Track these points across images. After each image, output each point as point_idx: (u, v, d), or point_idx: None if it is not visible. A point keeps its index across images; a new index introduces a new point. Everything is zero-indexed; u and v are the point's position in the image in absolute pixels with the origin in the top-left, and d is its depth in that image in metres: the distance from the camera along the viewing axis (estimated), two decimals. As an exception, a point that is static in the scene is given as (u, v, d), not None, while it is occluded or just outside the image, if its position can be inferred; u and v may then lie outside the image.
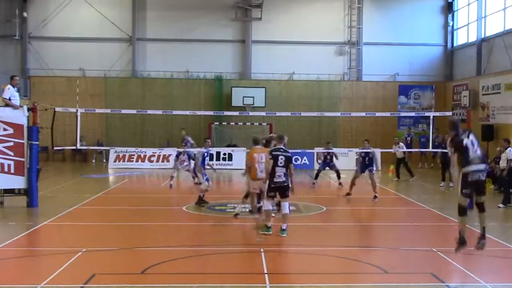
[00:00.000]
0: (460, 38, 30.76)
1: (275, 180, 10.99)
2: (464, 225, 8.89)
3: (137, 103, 29.21)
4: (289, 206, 11.30)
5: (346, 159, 25.31)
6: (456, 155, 8.60)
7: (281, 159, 11.01)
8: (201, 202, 15.03)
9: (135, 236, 12.06)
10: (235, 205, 15.14)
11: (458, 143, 8.55)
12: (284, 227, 11.08)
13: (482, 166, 8.55)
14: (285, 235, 11.05)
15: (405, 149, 23.07)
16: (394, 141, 23.39)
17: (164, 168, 26.20)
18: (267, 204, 11.26)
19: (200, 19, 30.93)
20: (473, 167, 8.49)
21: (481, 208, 8.94)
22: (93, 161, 29.88)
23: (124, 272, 9.14)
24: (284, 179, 11.05)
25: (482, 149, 8.79)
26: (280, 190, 11.15)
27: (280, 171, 10.98)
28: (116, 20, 30.75)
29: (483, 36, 27.51)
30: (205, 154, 16.56)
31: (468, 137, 8.62)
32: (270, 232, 11.10)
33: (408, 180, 22.31)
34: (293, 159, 27.97)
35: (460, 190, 8.72)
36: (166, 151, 26.96)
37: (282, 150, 11.23)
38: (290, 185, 11.14)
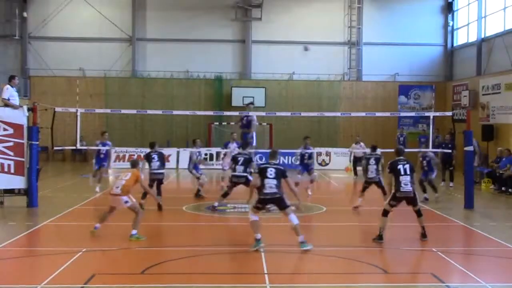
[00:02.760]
0: (460, 38, 30.75)
1: (264, 191, 10.34)
2: (385, 224, 11.16)
3: (137, 103, 29.20)
4: (296, 218, 10.38)
5: (346, 159, 25.37)
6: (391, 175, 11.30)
7: (271, 170, 10.39)
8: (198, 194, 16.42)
9: (135, 236, 12.07)
10: (235, 205, 15.23)
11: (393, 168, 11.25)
12: (301, 239, 10.26)
13: (408, 188, 11.04)
14: (306, 247, 10.19)
15: (365, 149, 23.21)
16: (355, 140, 23.68)
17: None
18: (252, 216, 10.48)
19: (200, 19, 30.92)
20: (402, 187, 11.04)
21: (418, 214, 11.32)
22: (93, 161, 29.82)
23: (124, 272, 9.15)
24: (275, 190, 10.30)
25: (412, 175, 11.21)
26: (274, 203, 10.53)
27: (270, 182, 10.30)
28: (116, 20, 30.75)
29: (483, 36, 27.50)
30: (197, 153, 17.16)
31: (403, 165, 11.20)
32: (261, 245, 10.27)
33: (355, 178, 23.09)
34: (293, 159, 27.76)
35: (388, 201, 11.31)
36: (166, 151, 26.89)
37: (272, 163, 10.67)
38: (284, 197, 10.43)
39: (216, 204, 14.70)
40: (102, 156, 18.90)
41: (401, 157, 11.45)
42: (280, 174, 10.47)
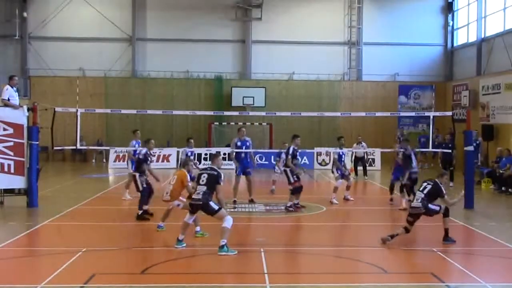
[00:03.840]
0: (460, 38, 30.75)
1: (193, 196, 10.48)
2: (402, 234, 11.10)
3: (137, 103, 29.17)
4: (230, 222, 10.11)
5: (346, 159, 25.37)
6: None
7: (204, 177, 10.32)
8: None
9: (135, 236, 12.07)
10: (235, 205, 15.21)
11: None
12: (221, 243, 9.97)
13: (418, 204, 11.02)
14: (219, 253, 9.86)
15: (367, 149, 23.31)
16: (357, 140, 23.48)
17: (163, 168, 26.16)
18: (186, 217, 10.58)
19: (200, 19, 30.92)
20: (413, 202, 11.22)
21: (443, 215, 11.17)
22: (93, 161, 29.89)
23: (124, 272, 9.16)
24: (200, 197, 10.21)
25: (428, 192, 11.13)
26: (200, 209, 10.37)
27: (199, 189, 10.27)
28: (116, 20, 30.75)
29: (483, 36, 27.49)
30: (188, 153, 16.78)
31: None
32: (178, 247, 10.30)
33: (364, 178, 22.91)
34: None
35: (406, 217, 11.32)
36: (166, 151, 26.97)
37: (209, 169, 10.53)
38: (209, 203, 10.16)
39: (289, 203, 14.71)
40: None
41: (433, 178, 11.34)
42: (213, 181, 10.27)
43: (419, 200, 10.97)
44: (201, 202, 10.23)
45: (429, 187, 11.09)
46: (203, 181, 10.32)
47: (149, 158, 13.90)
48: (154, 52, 31.16)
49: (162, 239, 11.48)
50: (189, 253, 10.22)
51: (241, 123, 28.26)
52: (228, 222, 10.12)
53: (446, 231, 11.03)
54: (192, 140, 17.39)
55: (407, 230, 11.06)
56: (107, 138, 29.92)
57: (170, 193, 11.45)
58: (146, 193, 13.48)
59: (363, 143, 23.18)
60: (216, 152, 11.47)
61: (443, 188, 11.27)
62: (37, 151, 15.24)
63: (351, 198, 16.66)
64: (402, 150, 15.54)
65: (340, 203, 16.17)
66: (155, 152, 26.73)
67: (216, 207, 10.25)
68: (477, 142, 21.97)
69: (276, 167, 18.34)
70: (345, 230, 13.32)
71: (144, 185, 13.57)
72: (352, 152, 23.42)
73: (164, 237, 11.54)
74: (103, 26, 30.61)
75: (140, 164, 13.79)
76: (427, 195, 11.00)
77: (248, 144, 16.25)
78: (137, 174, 13.65)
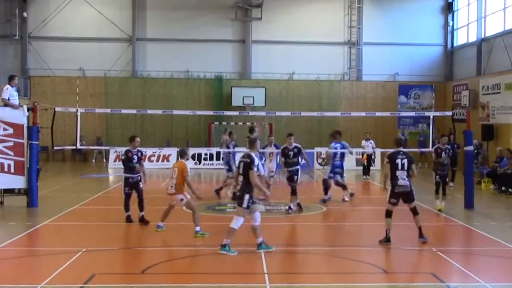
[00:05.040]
0: (460, 38, 30.75)
1: (237, 187, 10.25)
2: (390, 225, 10.92)
3: (137, 103, 29.22)
4: (238, 222, 10.00)
5: (346, 159, 25.33)
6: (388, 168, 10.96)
7: (241, 166, 10.07)
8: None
9: (135, 236, 12.07)
10: (235, 205, 15.19)
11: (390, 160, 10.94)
12: (224, 241, 9.94)
13: (405, 182, 10.76)
14: (221, 251, 9.87)
15: (375, 148, 22.92)
16: (365, 137, 23.05)
17: (164, 168, 26.15)
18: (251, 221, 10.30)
19: (200, 19, 30.93)
20: (399, 181, 10.75)
21: (414, 212, 11.04)
22: (93, 161, 29.90)
23: (124, 272, 9.17)
24: (239, 187, 10.08)
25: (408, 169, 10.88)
26: (237, 199, 10.31)
27: (240, 178, 10.08)
28: (116, 20, 30.75)
29: (483, 36, 27.49)
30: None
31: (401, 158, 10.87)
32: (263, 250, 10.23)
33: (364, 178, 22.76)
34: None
35: (388, 199, 11.00)
36: (166, 151, 26.96)
37: (246, 156, 10.15)
38: (244, 196, 9.97)
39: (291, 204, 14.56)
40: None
41: (401, 150, 11.10)
42: (247, 168, 9.96)
43: (406, 179, 10.80)
44: (240, 193, 10.14)
45: (405, 160, 10.83)
46: (241, 170, 10.10)
47: (135, 156, 13.02)
48: (154, 52, 31.16)
49: (162, 239, 11.47)
50: (189, 253, 10.23)
51: (241, 123, 28.32)
52: (237, 223, 10.06)
53: (420, 228, 11.01)
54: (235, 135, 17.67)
55: (390, 214, 10.92)
56: (107, 138, 29.92)
57: (175, 187, 11.43)
58: (127, 199, 12.90)
59: (372, 141, 22.83)
60: (254, 137, 11.28)
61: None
62: (37, 151, 15.26)
63: (347, 199, 16.62)
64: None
65: (340, 203, 16.15)
66: (156, 152, 26.78)
67: (245, 204, 10.01)
68: (479, 151, 21.93)
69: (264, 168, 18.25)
70: (345, 230, 13.31)
71: (127, 191, 12.84)
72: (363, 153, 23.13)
73: (164, 237, 11.54)
74: (103, 26, 30.62)
75: (124, 164, 13.07)
76: (408, 171, 10.84)
77: None
78: (124, 176, 13.04)
